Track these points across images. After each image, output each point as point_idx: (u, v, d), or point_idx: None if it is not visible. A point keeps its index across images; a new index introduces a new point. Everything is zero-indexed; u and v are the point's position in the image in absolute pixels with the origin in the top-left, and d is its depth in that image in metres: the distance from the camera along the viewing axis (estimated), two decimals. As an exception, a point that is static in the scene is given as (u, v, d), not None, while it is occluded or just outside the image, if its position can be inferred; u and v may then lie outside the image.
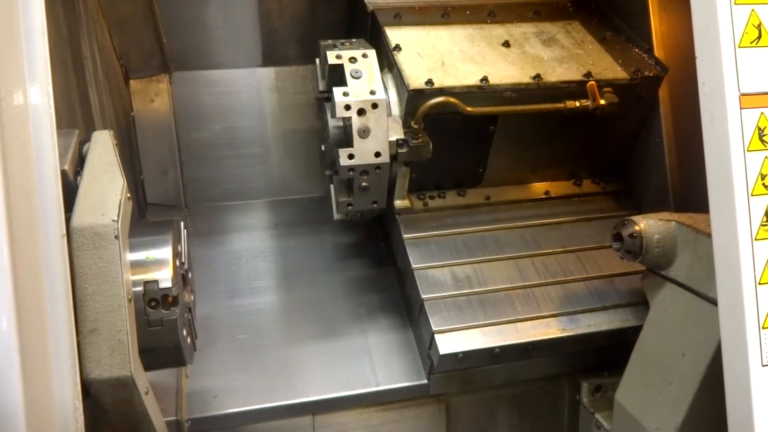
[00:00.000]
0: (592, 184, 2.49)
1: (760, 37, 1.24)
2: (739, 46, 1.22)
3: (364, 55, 2.06)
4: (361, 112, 1.97)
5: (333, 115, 2.00)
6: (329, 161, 2.22)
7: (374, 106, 1.97)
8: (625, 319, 2.12)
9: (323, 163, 2.35)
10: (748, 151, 1.22)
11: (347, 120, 2.00)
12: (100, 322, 1.22)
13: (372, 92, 1.98)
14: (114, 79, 2.45)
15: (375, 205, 2.20)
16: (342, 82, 2.01)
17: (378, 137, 1.99)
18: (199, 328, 1.71)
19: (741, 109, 1.22)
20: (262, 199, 2.80)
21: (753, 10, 1.23)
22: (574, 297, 2.15)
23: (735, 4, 1.22)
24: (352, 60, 2.04)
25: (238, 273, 2.51)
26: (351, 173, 2.03)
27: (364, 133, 1.98)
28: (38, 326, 1.11)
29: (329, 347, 2.26)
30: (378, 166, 2.03)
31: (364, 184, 2.08)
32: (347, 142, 2.02)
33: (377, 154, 2.00)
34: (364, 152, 1.99)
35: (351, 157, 1.99)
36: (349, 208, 2.21)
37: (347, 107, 1.96)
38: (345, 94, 1.97)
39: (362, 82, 2.00)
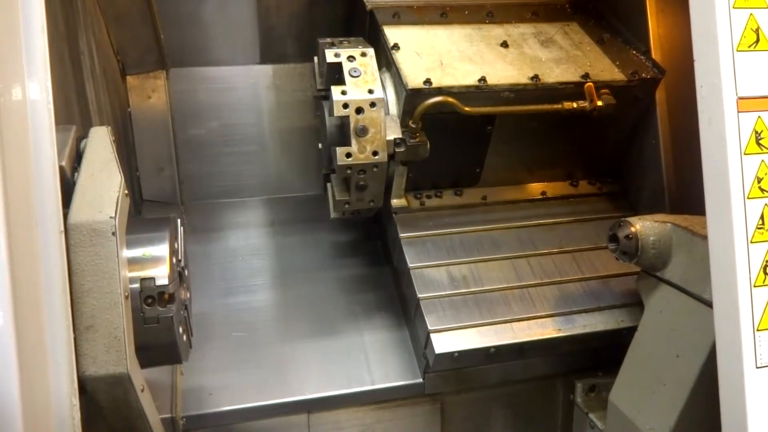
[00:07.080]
0: (588, 185, 2.50)
1: (758, 41, 1.24)
2: (737, 50, 1.23)
3: (363, 54, 2.06)
4: (359, 110, 1.97)
5: (331, 114, 2.00)
6: (326, 159, 2.22)
7: (372, 105, 1.98)
8: (620, 320, 2.12)
9: (321, 161, 2.35)
10: (744, 154, 1.23)
11: (345, 119, 2.00)
12: (96, 318, 1.22)
13: (370, 91, 1.99)
14: (111, 75, 2.44)
15: (372, 204, 2.21)
16: (340, 81, 2.01)
17: (376, 136, 1.99)
18: (194, 325, 1.71)
19: (738, 112, 1.22)
20: (259, 196, 2.80)
21: (751, 14, 1.24)
22: (570, 297, 2.16)
23: (733, 8, 1.23)
24: (351, 59, 2.04)
25: (233, 270, 2.51)
26: (348, 172, 2.03)
27: (362, 131, 1.98)
28: (35, 323, 1.10)
29: (325, 345, 2.26)
30: (375, 165, 2.03)
31: (361, 182, 2.08)
32: (345, 140, 2.02)
33: (375, 153, 2.00)
34: (361, 151, 1.99)
35: (348, 155, 1.99)
36: (346, 206, 2.21)
37: (345, 106, 1.96)
38: (343, 92, 1.97)
39: (360, 80, 2.00)
